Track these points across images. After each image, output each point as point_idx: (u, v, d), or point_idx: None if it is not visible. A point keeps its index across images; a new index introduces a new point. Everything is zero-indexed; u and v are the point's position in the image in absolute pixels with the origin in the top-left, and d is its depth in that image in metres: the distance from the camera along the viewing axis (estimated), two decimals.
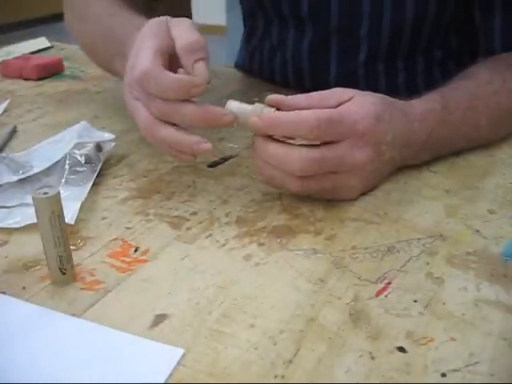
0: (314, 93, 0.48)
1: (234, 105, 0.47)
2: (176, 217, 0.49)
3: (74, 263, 0.41)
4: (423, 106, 0.53)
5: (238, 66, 0.91)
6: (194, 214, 0.49)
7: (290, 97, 0.47)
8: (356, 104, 0.47)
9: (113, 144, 0.58)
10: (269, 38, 0.80)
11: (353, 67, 0.73)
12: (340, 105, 0.47)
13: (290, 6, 0.73)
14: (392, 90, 0.61)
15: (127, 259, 0.43)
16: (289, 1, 0.72)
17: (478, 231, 0.46)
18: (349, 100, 0.47)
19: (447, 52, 0.74)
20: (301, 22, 0.73)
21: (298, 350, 0.34)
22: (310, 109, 0.46)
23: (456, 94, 0.57)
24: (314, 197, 0.50)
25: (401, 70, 0.73)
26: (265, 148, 0.46)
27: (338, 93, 0.48)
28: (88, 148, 0.54)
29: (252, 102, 0.48)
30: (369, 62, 0.72)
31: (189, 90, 0.46)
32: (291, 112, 0.45)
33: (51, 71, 0.89)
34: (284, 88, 0.79)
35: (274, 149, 0.46)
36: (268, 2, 0.74)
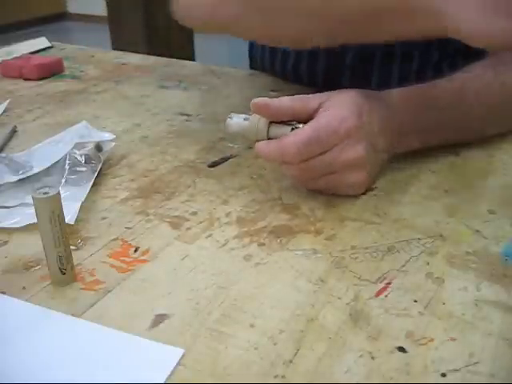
0: (296, 96, 0.49)
1: (234, 122, 0.50)
2: (176, 217, 0.49)
3: (74, 263, 0.41)
4: (403, 90, 0.54)
5: (251, 56, 0.91)
6: (194, 213, 0.49)
7: (274, 100, 0.48)
8: (334, 106, 0.48)
9: (113, 144, 0.58)
10: None
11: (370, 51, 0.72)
12: (321, 104, 0.48)
13: None
14: (405, 78, 0.61)
15: (127, 259, 0.43)
16: None
17: (478, 231, 0.46)
18: (328, 99, 0.49)
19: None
20: None
21: (298, 349, 0.34)
22: (292, 111, 0.48)
23: (444, 82, 0.57)
24: (316, 195, 0.50)
25: (415, 59, 0.73)
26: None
27: (318, 95, 0.49)
28: (88, 148, 0.54)
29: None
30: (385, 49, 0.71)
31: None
32: (275, 142, 0.48)
33: (51, 71, 0.89)
34: (293, 83, 0.79)
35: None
36: None
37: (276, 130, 0.49)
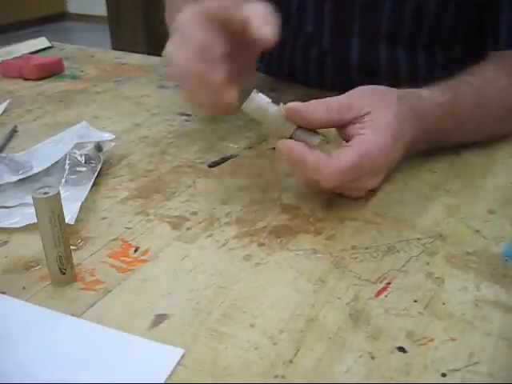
0: (333, 103, 0.47)
1: (259, 99, 0.46)
2: (176, 217, 0.49)
3: (74, 263, 0.41)
4: (432, 100, 0.53)
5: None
6: (194, 213, 0.49)
7: (309, 108, 0.46)
8: (372, 128, 0.47)
9: (113, 144, 0.58)
10: (289, 17, 0.78)
11: (374, 55, 0.72)
12: (356, 118, 0.47)
13: None
14: (412, 76, 0.62)
15: (127, 259, 0.43)
16: None
17: (478, 231, 0.46)
18: (366, 115, 0.47)
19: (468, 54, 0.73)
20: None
21: (298, 350, 0.34)
22: (326, 123, 0.47)
23: (463, 88, 0.57)
24: (316, 195, 0.50)
25: (420, 58, 0.72)
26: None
27: (355, 106, 0.48)
28: (88, 148, 0.54)
29: None
30: (390, 44, 0.71)
31: None
32: (313, 156, 0.45)
33: (51, 71, 0.89)
34: (296, 84, 0.79)
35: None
36: None
37: (302, 134, 0.47)
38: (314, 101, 0.47)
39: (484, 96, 0.58)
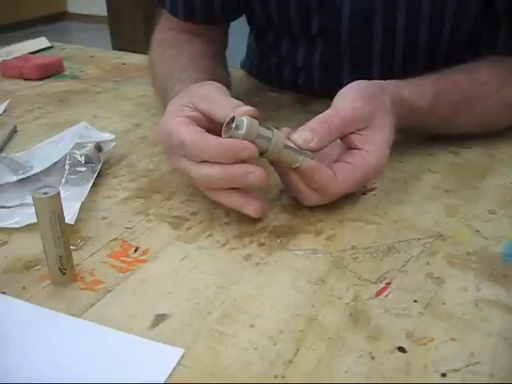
0: (335, 120, 0.47)
1: (240, 133, 0.43)
2: (176, 217, 0.49)
3: (74, 263, 0.41)
4: (410, 106, 0.54)
5: (243, 68, 0.90)
6: (194, 214, 0.49)
7: (315, 138, 0.46)
8: (373, 150, 0.48)
9: (113, 144, 0.58)
10: (278, 49, 0.78)
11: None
12: (357, 130, 0.48)
13: (300, 26, 0.71)
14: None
15: (127, 259, 0.43)
16: (299, 21, 0.71)
17: (478, 231, 0.46)
18: (366, 128, 0.48)
19: None
20: (312, 39, 0.72)
21: (298, 349, 0.34)
22: (329, 143, 0.47)
23: (447, 91, 0.57)
24: None
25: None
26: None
27: (358, 120, 0.48)
28: (88, 148, 0.54)
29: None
30: (383, 79, 0.71)
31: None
32: (325, 173, 0.46)
33: (51, 71, 0.89)
34: (291, 91, 0.79)
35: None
36: (278, 21, 0.73)
37: (289, 153, 0.45)
38: (312, 124, 0.46)
39: (466, 100, 0.58)
